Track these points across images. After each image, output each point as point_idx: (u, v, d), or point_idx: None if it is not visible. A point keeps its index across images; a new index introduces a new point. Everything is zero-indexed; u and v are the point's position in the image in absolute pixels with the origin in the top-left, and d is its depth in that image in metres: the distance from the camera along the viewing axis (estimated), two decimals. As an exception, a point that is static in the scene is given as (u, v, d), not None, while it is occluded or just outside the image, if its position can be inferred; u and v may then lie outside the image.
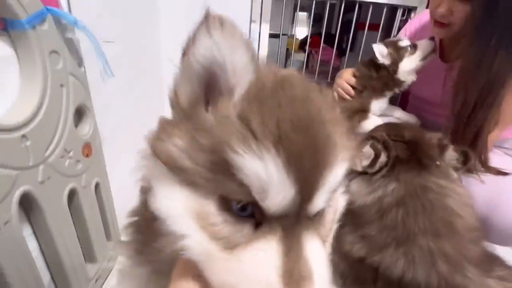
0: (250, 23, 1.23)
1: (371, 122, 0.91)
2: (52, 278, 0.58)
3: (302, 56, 3.24)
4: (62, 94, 0.53)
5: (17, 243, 0.45)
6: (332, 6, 3.49)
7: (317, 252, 0.23)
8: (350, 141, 0.25)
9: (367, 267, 0.60)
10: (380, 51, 0.88)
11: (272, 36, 2.54)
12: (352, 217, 0.62)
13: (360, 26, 1.50)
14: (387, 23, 1.43)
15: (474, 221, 0.55)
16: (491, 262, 0.56)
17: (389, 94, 0.94)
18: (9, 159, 0.42)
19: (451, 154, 0.60)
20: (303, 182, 0.20)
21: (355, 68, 0.98)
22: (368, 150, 0.59)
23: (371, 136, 0.62)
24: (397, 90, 0.92)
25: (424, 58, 0.86)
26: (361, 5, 1.33)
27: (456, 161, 0.60)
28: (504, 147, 0.86)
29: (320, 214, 0.25)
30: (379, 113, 0.97)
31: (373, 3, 1.30)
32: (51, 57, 0.50)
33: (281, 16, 1.35)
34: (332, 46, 1.81)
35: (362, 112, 0.93)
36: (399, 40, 0.89)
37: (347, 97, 0.95)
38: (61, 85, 0.52)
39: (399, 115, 1.01)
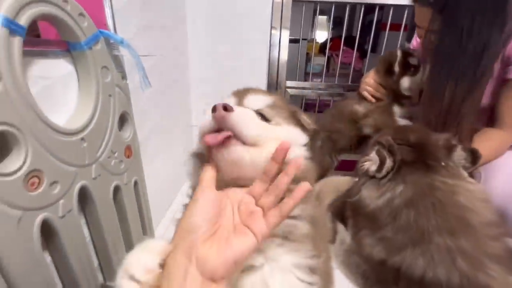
0: (271, 30, 1.29)
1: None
2: (100, 264, 0.66)
3: (322, 60, 3.26)
4: (110, 103, 0.61)
5: (76, 230, 0.54)
6: (353, 9, 3.48)
7: None
8: None
9: (389, 268, 0.62)
10: (399, 57, 0.93)
11: (291, 41, 2.62)
12: (368, 221, 0.64)
13: (382, 26, 1.49)
14: (411, 22, 1.41)
15: (491, 216, 0.55)
16: (516, 260, 0.55)
17: (404, 102, 0.96)
18: (72, 158, 0.50)
19: (459, 154, 0.61)
20: None
21: (374, 71, 1.00)
22: (374, 156, 0.62)
23: (377, 142, 0.65)
24: (403, 104, 0.95)
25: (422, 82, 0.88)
26: (382, 6, 1.34)
27: (465, 160, 0.60)
28: None
29: None
30: (403, 118, 0.98)
31: (394, 5, 1.30)
32: (102, 72, 0.59)
33: (301, 20, 1.40)
34: (354, 49, 1.81)
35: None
36: (411, 55, 0.92)
37: (374, 100, 0.98)
38: (110, 95, 0.61)
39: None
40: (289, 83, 1.44)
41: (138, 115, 0.80)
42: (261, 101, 0.45)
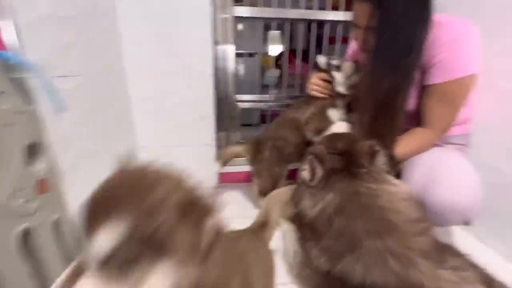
0: (215, 45, 1.28)
1: (336, 127, 0.97)
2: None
3: (276, 72, 3.37)
4: (7, 134, 0.53)
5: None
6: (308, 24, 3.71)
7: None
8: None
9: (335, 279, 0.61)
10: (320, 60, 1.02)
11: (240, 55, 2.65)
12: (310, 231, 0.64)
13: (331, 40, 1.60)
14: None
15: (414, 213, 0.58)
16: (443, 252, 0.58)
17: (339, 104, 1.00)
18: None
19: (381, 159, 0.65)
20: None
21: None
22: (307, 165, 0.63)
23: (311, 152, 0.67)
24: (339, 102, 1.00)
25: (348, 77, 0.98)
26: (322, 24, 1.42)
27: (385, 165, 0.65)
28: (458, 143, 0.91)
29: None
30: (340, 120, 1.02)
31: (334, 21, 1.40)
32: (-5, 98, 0.51)
33: (254, 35, 1.43)
34: (304, 61, 1.92)
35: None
36: (333, 59, 1.01)
37: (322, 95, 1.03)
38: (6, 125, 0.52)
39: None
40: (239, 97, 1.43)
41: (60, 142, 0.72)
42: None
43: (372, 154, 0.65)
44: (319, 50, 1.53)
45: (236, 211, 1.22)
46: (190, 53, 1.17)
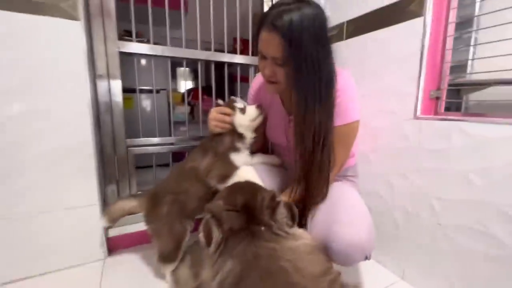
0: (95, 80, 1.08)
1: (242, 172, 0.90)
2: None
3: (184, 109, 3.28)
4: None
5: None
6: (208, 63, 3.83)
7: None
8: None
9: None
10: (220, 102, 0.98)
11: (150, 91, 2.46)
12: None
13: (234, 78, 1.62)
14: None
15: (319, 267, 0.54)
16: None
17: (241, 147, 0.96)
18: None
19: (281, 212, 0.60)
20: None
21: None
22: (203, 228, 0.52)
23: (207, 210, 0.57)
24: (241, 145, 0.96)
25: (253, 121, 0.96)
26: (231, 63, 1.43)
27: (286, 217, 0.61)
28: (348, 175, 1.00)
29: None
30: (245, 164, 0.97)
31: (228, 63, 1.42)
32: None
33: (160, 71, 1.28)
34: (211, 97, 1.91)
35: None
36: (234, 101, 0.98)
37: (224, 128, 0.95)
38: None
39: (261, 159, 1.05)
40: (130, 141, 1.23)
41: None
42: None
43: (273, 207, 0.60)
44: (230, 89, 1.55)
45: (136, 284, 0.98)
46: (58, 91, 0.93)
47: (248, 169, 0.93)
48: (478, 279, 0.79)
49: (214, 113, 0.95)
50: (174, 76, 4.03)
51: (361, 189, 1.01)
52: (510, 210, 0.72)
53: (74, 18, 0.92)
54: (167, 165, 1.44)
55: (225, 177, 0.90)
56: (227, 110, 0.94)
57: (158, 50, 1.21)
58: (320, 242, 0.76)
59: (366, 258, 0.76)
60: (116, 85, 1.13)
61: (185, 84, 1.72)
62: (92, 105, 1.01)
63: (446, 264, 0.87)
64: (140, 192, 1.21)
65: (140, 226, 1.23)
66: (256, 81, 1.07)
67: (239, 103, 0.97)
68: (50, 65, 0.91)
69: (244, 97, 1.21)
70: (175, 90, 3.88)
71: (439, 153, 0.87)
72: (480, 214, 0.78)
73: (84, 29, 0.95)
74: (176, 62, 1.34)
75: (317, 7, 0.73)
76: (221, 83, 1.48)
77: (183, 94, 3.52)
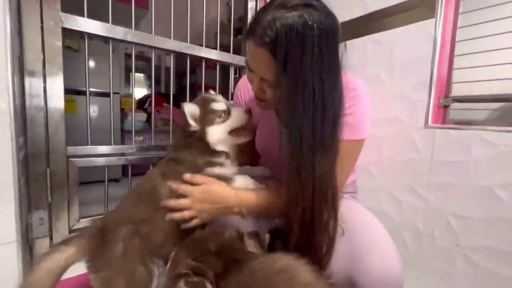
0: (23, 78, 0.76)
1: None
2: None
3: (142, 116, 2.90)
4: None
5: None
6: (168, 70, 3.55)
7: None
8: None
9: None
10: (192, 112, 0.66)
11: (101, 94, 2.06)
12: None
13: (198, 87, 1.40)
14: (222, 83, 1.38)
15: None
16: None
17: (219, 162, 0.70)
18: None
19: (248, 242, 0.58)
20: None
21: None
22: None
23: (179, 275, 0.48)
24: (218, 162, 0.69)
25: (232, 132, 0.70)
26: (195, 70, 1.20)
27: (255, 247, 0.58)
28: (349, 192, 0.85)
29: None
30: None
31: (206, 59, 1.20)
32: None
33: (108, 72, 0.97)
34: (173, 105, 1.64)
35: None
36: (214, 100, 0.70)
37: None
38: None
39: (248, 172, 0.82)
40: (75, 150, 0.91)
41: None
42: None
43: (241, 238, 0.58)
44: (193, 96, 1.32)
45: None
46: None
47: (244, 179, 0.71)
48: (507, 308, 0.70)
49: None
50: (128, 81, 3.62)
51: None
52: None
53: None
54: (116, 180, 1.10)
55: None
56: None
57: (119, 32, 0.94)
58: (343, 278, 0.61)
59: None
60: (58, 83, 0.82)
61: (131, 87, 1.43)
62: (14, 98, 0.69)
63: (467, 290, 0.77)
64: (76, 230, 0.88)
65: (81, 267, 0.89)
66: (243, 81, 0.88)
67: (220, 104, 0.69)
68: None
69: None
70: (128, 95, 3.45)
71: (456, 165, 0.79)
72: (509, 233, 0.70)
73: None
74: (128, 68, 1.07)
75: (327, 13, 0.52)
76: (181, 91, 1.25)
77: (138, 101, 3.13)
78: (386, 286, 0.57)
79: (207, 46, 1.18)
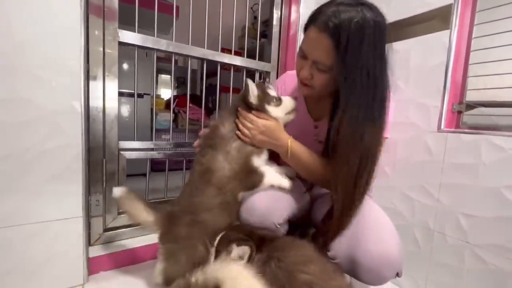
0: (87, 80, 0.92)
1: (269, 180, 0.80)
2: None
3: (168, 116, 3.09)
4: None
5: None
6: (194, 71, 3.73)
7: None
8: None
9: None
10: (253, 89, 0.78)
11: (131, 95, 2.26)
12: None
13: (223, 89, 1.52)
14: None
15: None
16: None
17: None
18: None
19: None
20: None
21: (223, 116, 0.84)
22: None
23: (232, 239, 0.70)
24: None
25: (288, 113, 0.83)
26: (218, 72, 1.32)
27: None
28: None
29: None
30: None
31: (233, 66, 1.32)
32: None
33: (143, 75, 1.13)
34: (198, 106, 1.76)
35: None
36: (267, 87, 0.83)
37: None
38: None
39: (276, 170, 0.93)
40: (124, 144, 1.07)
41: None
42: None
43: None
44: (213, 97, 1.45)
45: None
46: (49, 85, 0.77)
47: (275, 175, 0.82)
48: (512, 302, 0.75)
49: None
50: (157, 82, 3.86)
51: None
52: (550, 228, 0.69)
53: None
54: (144, 174, 1.24)
55: (252, 187, 0.79)
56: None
57: (162, 44, 1.09)
58: (345, 259, 0.70)
59: (397, 275, 0.70)
60: (112, 80, 0.98)
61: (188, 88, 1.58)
62: (85, 98, 0.85)
63: (474, 286, 0.82)
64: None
65: (125, 244, 1.05)
66: (283, 79, 0.98)
67: (272, 91, 0.82)
68: (35, 46, 0.76)
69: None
70: (158, 96, 3.69)
71: (466, 168, 0.85)
72: (515, 232, 0.75)
73: (81, 7, 0.81)
74: (158, 69, 1.20)
75: (379, 13, 0.64)
76: (209, 92, 1.37)
77: (166, 101, 3.34)
78: (382, 266, 0.66)
79: (228, 50, 1.30)
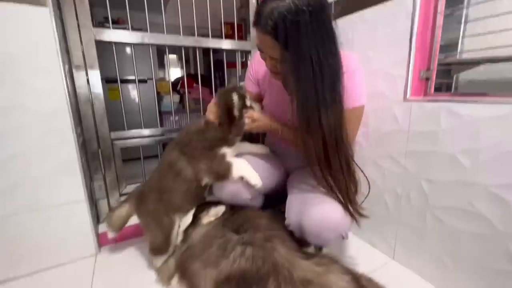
0: (69, 72, 1.02)
1: (237, 169, 0.88)
2: None
3: (176, 98, 3.18)
4: None
5: None
6: (194, 50, 3.71)
7: None
8: None
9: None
10: (237, 103, 0.88)
11: (138, 81, 2.37)
12: None
13: (228, 65, 1.57)
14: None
15: None
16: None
17: (234, 140, 0.93)
18: None
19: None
20: None
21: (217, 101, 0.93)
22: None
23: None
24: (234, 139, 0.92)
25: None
26: (218, 50, 1.37)
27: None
28: None
29: None
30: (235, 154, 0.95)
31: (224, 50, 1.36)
32: None
33: (146, 59, 1.22)
34: (204, 85, 1.81)
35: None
36: (246, 97, 0.91)
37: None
38: None
39: (248, 149, 1.03)
40: (114, 134, 1.19)
41: None
42: None
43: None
44: (220, 75, 1.50)
45: (136, 279, 0.96)
46: (30, 85, 0.88)
47: (242, 163, 0.90)
48: (466, 257, 0.81)
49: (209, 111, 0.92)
50: (162, 64, 3.90)
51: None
52: (498, 191, 0.72)
53: (40, 4, 0.85)
54: (156, 156, 1.39)
55: (222, 177, 0.89)
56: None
57: (137, 37, 1.14)
58: (295, 225, 0.79)
59: (343, 237, 0.76)
60: (95, 76, 1.08)
61: (169, 73, 1.64)
62: (70, 98, 0.96)
63: (436, 243, 0.88)
64: (126, 194, 1.19)
65: (130, 220, 1.22)
66: (255, 59, 1.03)
67: (249, 100, 0.92)
68: (19, 58, 0.85)
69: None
70: (162, 79, 3.77)
71: (428, 135, 0.86)
72: (469, 195, 0.78)
73: (53, 17, 0.88)
74: (163, 50, 1.28)
75: None
76: (210, 69, 1.43)
77: (169, 84, 3.42)
78: (322, 229, 0.73)
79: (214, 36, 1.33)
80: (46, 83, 0.90)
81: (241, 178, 0.87)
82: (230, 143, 0.92)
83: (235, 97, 0.88)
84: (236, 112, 0.88)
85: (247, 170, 0.88)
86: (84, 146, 1.09)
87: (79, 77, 1.05)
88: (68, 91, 0.95)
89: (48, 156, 0.94)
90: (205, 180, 0.90)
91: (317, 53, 0.64)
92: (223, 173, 0.88)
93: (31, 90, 0.88)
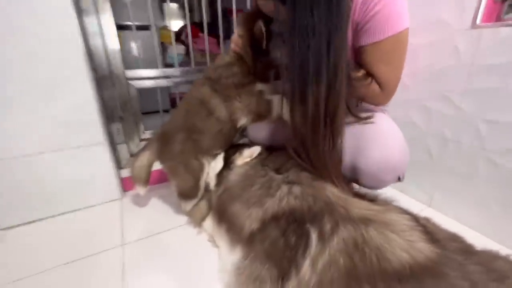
0: (82, 17, 0.88)
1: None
2: None
3: (181, 49, 2.96)
4: None
5: None
6: None
7: None
8: None
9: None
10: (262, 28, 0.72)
11: (140, 28, 2.15)
12: None
13: (229, 12, 1.38)
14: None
15: None
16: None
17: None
18: None
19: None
20: None
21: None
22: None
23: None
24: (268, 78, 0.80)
25: None
26: None
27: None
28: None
29: None
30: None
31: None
32: None
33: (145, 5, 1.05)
34: (211, 35, 1.62)
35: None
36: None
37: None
38: None
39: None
40: (130, 73, 1.07)
41: None
42: None
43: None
44: (226, 22, 1.32)
45: (164, 222, 0.93)
46: (43, 31, 0.74)
47: (281, 100, 0.80)
48: (520, 202, 0.76)
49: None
50: (160, 12, 3.56)
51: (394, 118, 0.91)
52: None
53: None
54: (166, 111, 1.29)
55: (262, 117, 0.80)
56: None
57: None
58: (348, 168, 0.72)
59: (399, 179, 0.71)
60: (107, 20, 0.93)
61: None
62: (82, 28, 0.83)
63: (485, 190, 0.83)
64: (144, 139, 1.11)
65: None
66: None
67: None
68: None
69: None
70: (164, 27, 3.47)
71: (499, 69, 0.75)
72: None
73: None
74: None
75: None
76: (215, 18, 1.24)
77: (175, 32, 3.15)
78: (381, 170, 0.67)
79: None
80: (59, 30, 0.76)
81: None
82: (263, 78, 0.81)
83: (261, 24, 0.72)
84: (263, 42, 0.73)
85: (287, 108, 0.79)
86: (99, 86, 0.98)
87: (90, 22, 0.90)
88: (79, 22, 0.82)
89: (63, 90, 0.84)
90: (242, 121, 0.81)
91: (310, 18, 0.51)
92: (263, 113, 0.78)
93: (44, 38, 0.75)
